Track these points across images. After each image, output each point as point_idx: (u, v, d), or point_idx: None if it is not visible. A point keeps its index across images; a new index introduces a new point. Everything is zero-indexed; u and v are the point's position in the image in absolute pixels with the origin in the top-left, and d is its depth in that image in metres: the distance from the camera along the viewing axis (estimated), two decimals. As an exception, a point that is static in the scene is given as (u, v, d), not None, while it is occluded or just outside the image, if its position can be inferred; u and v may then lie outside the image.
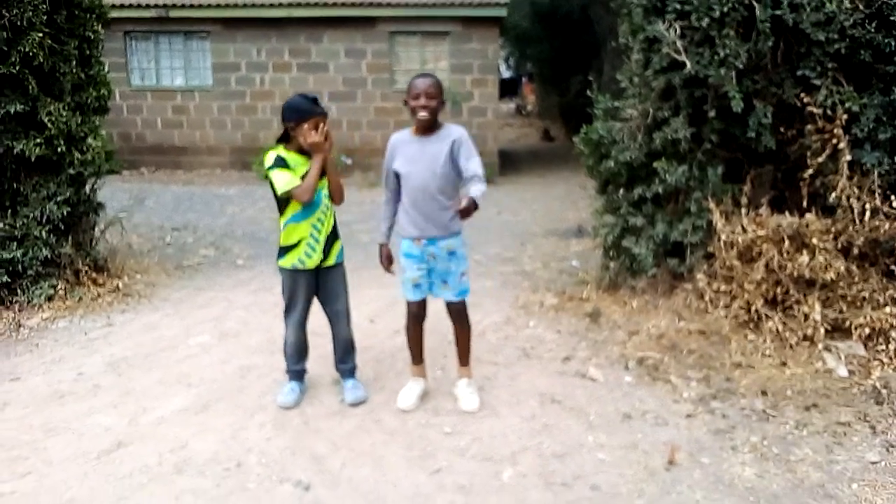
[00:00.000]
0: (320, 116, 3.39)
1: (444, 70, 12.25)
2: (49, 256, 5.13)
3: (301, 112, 3.38)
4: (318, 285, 3.66)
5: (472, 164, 3.29)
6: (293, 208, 3.47)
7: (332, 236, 3.61)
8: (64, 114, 5.06)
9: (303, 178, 3.40)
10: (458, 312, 3.64)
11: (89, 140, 5.36)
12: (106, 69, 5.73)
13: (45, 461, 3.18)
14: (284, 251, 3.55)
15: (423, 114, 3.29)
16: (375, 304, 5.30)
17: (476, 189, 3.20)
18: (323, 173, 3.46)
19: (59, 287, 5.19)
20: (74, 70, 5.22)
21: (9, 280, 5.01)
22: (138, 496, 2.91)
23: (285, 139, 3.48)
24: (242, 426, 3.49)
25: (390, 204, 3.58)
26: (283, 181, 3.38)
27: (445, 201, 3.37)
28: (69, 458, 3.20)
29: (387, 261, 3.67)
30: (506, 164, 13.32)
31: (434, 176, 3.35)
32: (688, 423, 3.52)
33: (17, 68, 4.76)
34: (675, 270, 4.89)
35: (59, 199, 5.13)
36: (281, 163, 3.41)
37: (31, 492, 2.94)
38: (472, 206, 3.09)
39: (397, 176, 3.47)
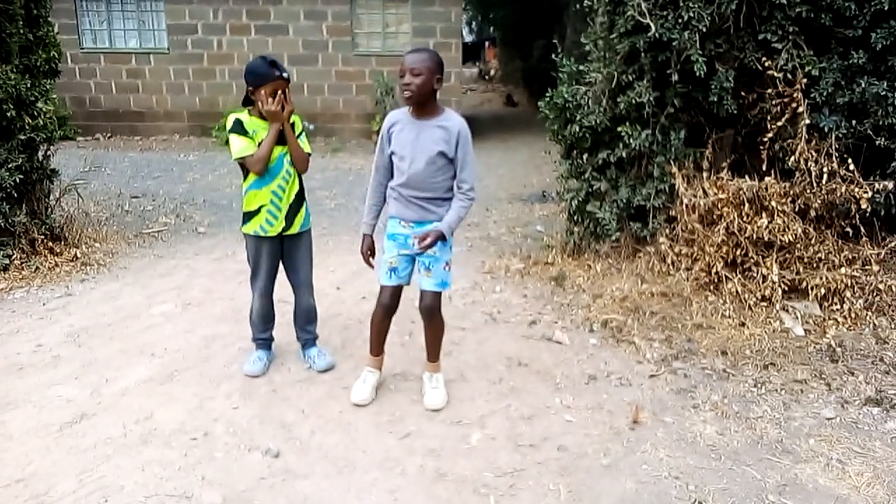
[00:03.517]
0: (278, 81, 3.26)
1: (406, 34, 12.08)
2: (2, 225, 4.97)
3: (258, 76, 3.27)
4: (283, 253, 3.61)
5: (465, 175, 3.14)
6: (254, 175, 3.39)
7: (297, 204, 3.51)
8: (12, 77, 4.87)
9: (260, 145, 3.32)
10: (428, 309, 3.31)
11: (40, 104, 5.17)
12: (55, 30, 5.51)
13: (4, 435, 3.11)
14: (247, 217, 3.48)
15: (406, 93, 3.04)
16: (342, 272, 5.27)
17: (453, 214, 3.13)
18: (285, 141, 3.38)
19: (14, 257, 5.05)
20: (21, 31, 5.00)
21: (-39, 250, 4.86)
22: (103, 468, 2.88)
23: (250, 102, 3.38)
24: (209, 396, 3.46)
25: (379, 189, 3.30)
26: (237, 147, 3.32)
27: (439, 191, 3.16)
28: (30, 432, 3.13)
29: (368, 251, 3.33)
30: (469, 129, 13.23)
31: (428, 165, 3.10)
32: (651, 383, 3.60)
33: (-40, 30, 4.56)
34: (638, 234, 4.95)
35: (10, 165, 4.95)
36: (238, 127, 3.32)
37: (-8, 466, 2.89)
38: (435, 240, 3.07)
39: (390, 158, 3.22)
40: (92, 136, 12.44)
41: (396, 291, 3.34)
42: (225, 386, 3.56)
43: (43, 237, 5.26)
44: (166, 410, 3.32)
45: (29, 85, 5.05)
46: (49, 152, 5.47)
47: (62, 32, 7.29)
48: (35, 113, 5.13)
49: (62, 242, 5.48)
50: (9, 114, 4.87)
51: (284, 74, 3.29)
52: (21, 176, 5.01)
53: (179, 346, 4.02)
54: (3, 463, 2.90)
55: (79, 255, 5.44)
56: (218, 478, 2.83)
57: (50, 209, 5.54)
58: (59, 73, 5.50)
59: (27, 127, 5.04)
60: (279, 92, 3.25)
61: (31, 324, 4.33)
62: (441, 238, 3.12)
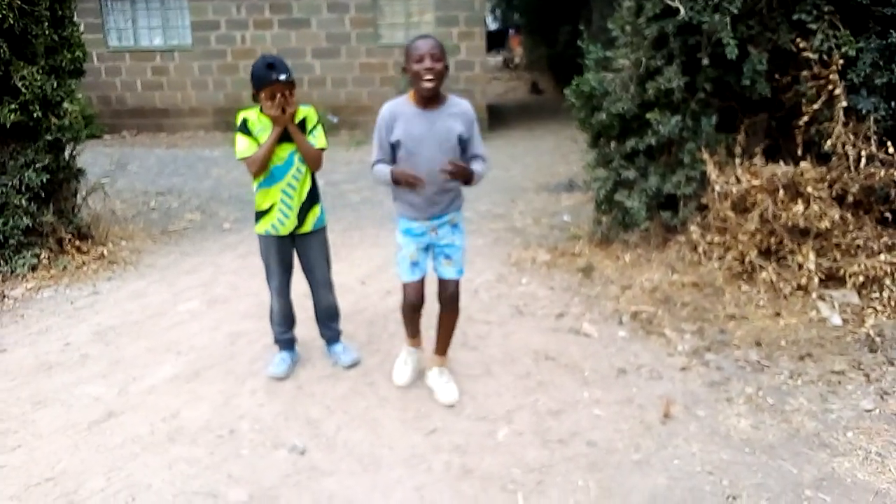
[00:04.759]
0: (276, 85, 3.13)
1: (430, 23, 11.98)
2: (30, 225, 5.02)
3: (256, 80, 3.17)
4: (298, 253, 3.55)
5: (479, 149, 3.13)
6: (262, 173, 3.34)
7: (309, 202, 3.42)
8: (38, 78, 4.90)
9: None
10: (452, 297, 3.27)
11: (66, 104, 5.22)
12: (80, 30, 5.54)
13: (34, 434, 3.13)
14: (259, 216, 3.43)
15: (428, 79, 2.87)
16: (366, 266, 5.24)
17: (478, 166, 3.07)
18: (291, 140, 3.29)
19: (42, 256, 5.10)
20: (47, 32, 5.03)
21: (-10, 250, 4.91)
22: (131, 466, 2.88)
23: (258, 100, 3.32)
24: (234, 393, 3.45)
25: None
26: (240, 147, 3.27)
27: (453, 183, 3.06)
28: (59, 430, 3.16)
29: (408, 173, 2.96)
30: (494, 118, 13.15)
31: (446, 155, 2.97)
32: (682, 375, 3.51)
33: (-14, 31, 4.59)
34: (668, 223, 4.84)
35: (37, 165, 5.00)
36: (243, 126, 3.26)
37: (22, 465, 2.90)
38: (466, 173, 2.94)
39: (393, 148, 3.06)
40: (118, 134, 12.58)
41: (421, 287, 3.28)
42: (250, 383, 3.55)
43: (70, 236, 5.31)
44: (192, 408, 3.32)
45: (55, 85, 5.08)
46: (75, 152, 5.52)
47: (88, 32, 7.38)
48: (61, 113, 5.17)
49: (89, 241, 5.52)
50: (35, 114, 4.91)
51: (282, 77, 3.14)
52: (48, 176, 5.06)
53: (205, 343, 4.02)
54: (34, 461, 2.93)
55: (105, 253, 5.48)
56: (244, 475, 2.82)
57: (77, 208, 5.59)
58: (84, 72, 5.54)
59: (53, 127, 5.08)
60: (278, 95, 3.14)
61: (60, 322, 4.37)
62: (468, 176, 2.97)
